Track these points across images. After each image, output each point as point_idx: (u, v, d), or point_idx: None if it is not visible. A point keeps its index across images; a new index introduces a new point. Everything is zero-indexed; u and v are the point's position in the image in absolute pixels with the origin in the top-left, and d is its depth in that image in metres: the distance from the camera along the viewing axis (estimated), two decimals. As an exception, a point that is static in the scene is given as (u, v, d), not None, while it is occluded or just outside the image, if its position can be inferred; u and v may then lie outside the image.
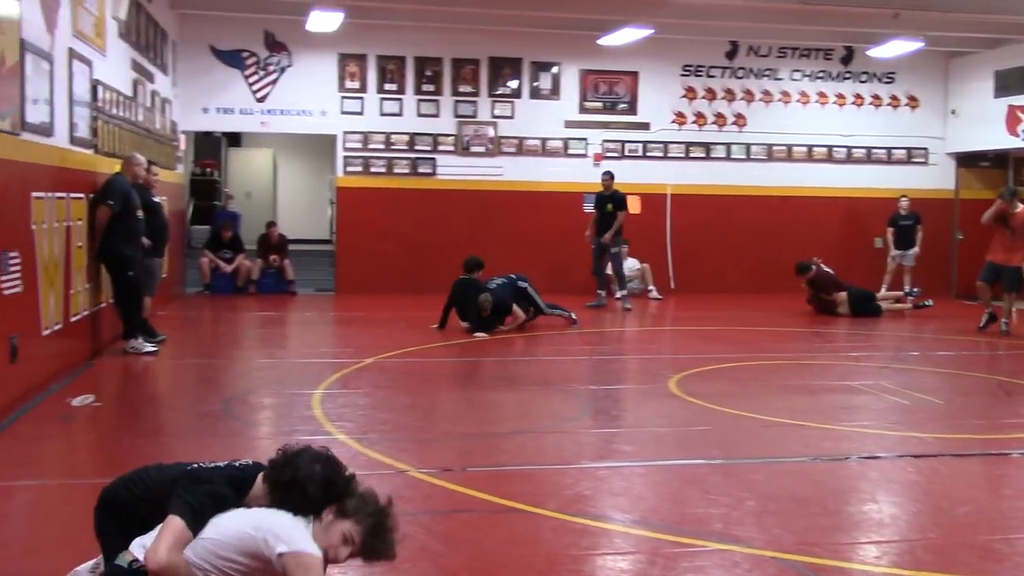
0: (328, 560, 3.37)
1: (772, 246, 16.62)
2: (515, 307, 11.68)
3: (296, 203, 21.83)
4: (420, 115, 15.91)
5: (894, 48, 15.77)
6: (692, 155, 16.75)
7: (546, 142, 16.26)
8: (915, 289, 15.32)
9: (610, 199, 14.52)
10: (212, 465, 3.60)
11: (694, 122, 16.73)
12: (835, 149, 17.14)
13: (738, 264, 16.70)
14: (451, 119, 16.01)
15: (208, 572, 3.29)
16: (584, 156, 16.35)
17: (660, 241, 16.60)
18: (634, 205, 16.49)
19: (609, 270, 14.77)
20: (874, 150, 17.27)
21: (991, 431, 7.27)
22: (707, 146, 16.79)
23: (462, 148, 16.05)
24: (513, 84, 16.17)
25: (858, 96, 17.21)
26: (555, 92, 16.32)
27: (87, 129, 9.07)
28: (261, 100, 15.46)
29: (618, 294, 14.56)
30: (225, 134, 19.78)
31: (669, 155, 16.67)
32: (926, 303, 14.37)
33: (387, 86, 15.81)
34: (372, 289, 15.31)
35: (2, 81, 6.52)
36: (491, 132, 16.12)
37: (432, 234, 15.71)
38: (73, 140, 8.56)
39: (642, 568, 4.35)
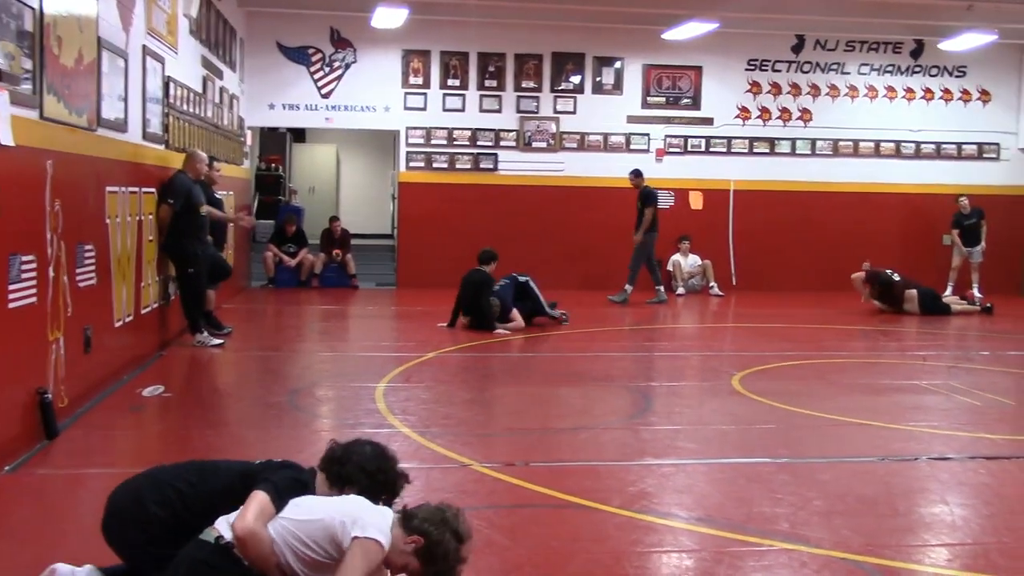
0: (394, 568, 3.39)
1: (838, 243, 16.38)
2: (515, 311, 11.43)
3: (359, 198, 22.02)
4: (482, 110, 15.95)
5: (966, 41, 15.42)
6: (756, 150, 16.56)
7: (608, 137, 16.20)
8: (978, 295, 15.04)
9: (639, 197, 14.40)
10: (278, 462, 3.68)
11: (759, 117, 16.54)
12: (903, 144, 16.82)
13: (802, 261, 16.48)
14: (513, 114, 16.02)
15: (283, 552, 3.32)
16: (647, 151, 16.26)
17: (723, 237, 16.44)
18: (696, 201, 16.39)
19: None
20: (943, 145, 16.91)
21: (1066, 434, 7.09)
22: (772, 141, 16.59)
23: (524, 143, 16.07)
24: (576, 79, 16.13)
25: (928, 90, 16.86)
26: (618, 87, 16.25)
27: (159, 125, 9.25)
28: (326, 96, 15.63)
29: (626, 288, 14.33)
30: (290, 130, 20.01)
31: (732, 150, 16.51)
32: (987, 306, 14.07)
33: (450, 82, 15.88)
34: (433, 284, 15.34)
35: (80, 78, 6.67)
36: (553, 128, 16.10)
37: (493, 229, 15.70)
38: (145, 136, 8.73)
39: (708, 566, 4.32)
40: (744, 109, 16.52)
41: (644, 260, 14.45)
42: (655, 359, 10.37)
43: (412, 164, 15.96)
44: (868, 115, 16.72)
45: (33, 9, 5.72)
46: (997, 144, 17.01)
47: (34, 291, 5.77)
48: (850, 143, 16.71)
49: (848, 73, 16.69)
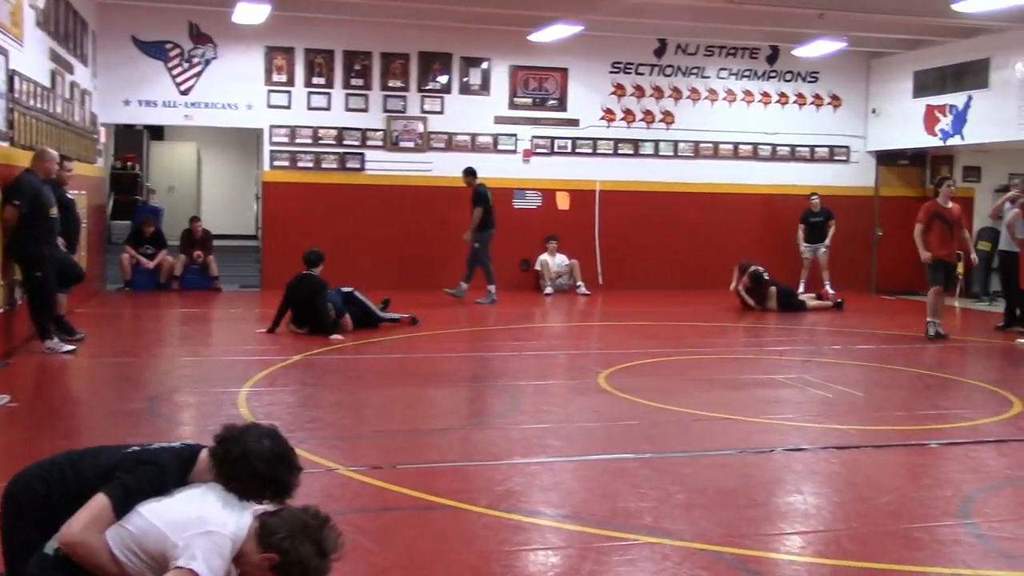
0: (244, 569, 3.23)
1: (699, 242, 16.87)
2: (347, 317, 11.05)
3: (221, 198, 21.45)
4: (348, 109, 15.75)
5: (818, 48, 16.08)
6: (621, 152, 16.86)
7: (476, 138, 16.23)
8: (831, 292, 15.73)
9: (471, 196, 14.48)
10: (157, 446, 3.47)
11: (623, 119, 16.85)
12: (760, 147, 17.42)
13: (666, 260, 16.88)
14: (380, 114, 15.88)
15: (127, 559, 3.15)
16: (514, 152, 16.37)
17: (589, 237, 16.68)
18: (563, 201, 16.59)
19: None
20: (797, 148, 17.59)
21: (911, 422, 7.45)
22: (636, 143, 16.92)
23: (391, 143, 15.94)
24: (443, 79, 16.10)
25: (783, 95, 17.50)
26: (485, 88, 16.30)
27: (3, 121, 8.79)
28: (185, 93, 15.16)
29: (462, 285, 14.38)
30: (147, 127, 19.33)
31: (598, 152, 16.77)
32: (839, 302, 14.76)
33: (315, 80, 15.62)
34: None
35: (-89, 69, 6.27)
36: (421, 127, 16.03)
37: (360, 230, 15.58)
38: (-12, 132, 8.29)
39: (574, 562, 4.36)
40: (609, 111, 16.80)
41: (485, 258, 14.47)
42: (523, 358, 10.42)
43: (276, 163, 15.63)
44: (727, 118, 17.24)
45: None
46: (847, 147, 17.80)
47: None
48: (710, 145, 17.21)
49: (708, 77, 17.18)
